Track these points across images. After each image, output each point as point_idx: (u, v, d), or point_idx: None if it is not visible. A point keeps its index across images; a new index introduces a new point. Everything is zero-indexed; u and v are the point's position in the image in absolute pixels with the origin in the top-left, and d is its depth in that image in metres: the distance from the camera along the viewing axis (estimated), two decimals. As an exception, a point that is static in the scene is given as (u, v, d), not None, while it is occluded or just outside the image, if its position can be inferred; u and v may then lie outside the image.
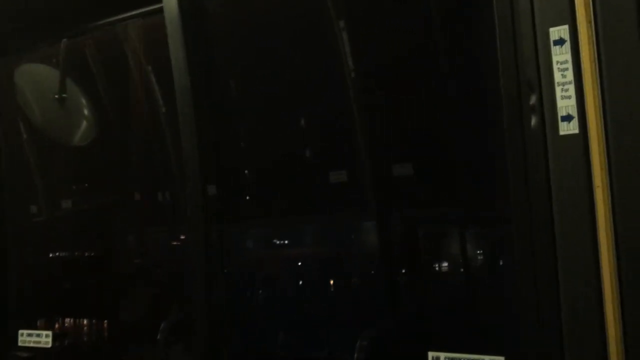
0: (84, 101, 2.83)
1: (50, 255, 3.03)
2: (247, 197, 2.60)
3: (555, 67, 1.55)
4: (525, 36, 1.58)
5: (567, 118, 1.54)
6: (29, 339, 2.63)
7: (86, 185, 3.04)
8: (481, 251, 2.14)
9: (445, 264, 2.20)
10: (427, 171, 2.15)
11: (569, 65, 1.53)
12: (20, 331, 2.64)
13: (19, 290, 2.77)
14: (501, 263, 2.02)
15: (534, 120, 1.58)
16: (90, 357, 2.94)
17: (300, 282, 2.55)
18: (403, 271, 2.28)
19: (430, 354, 1.77)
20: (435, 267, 2.25)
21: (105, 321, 2.93)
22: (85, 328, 2.97)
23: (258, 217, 2.57)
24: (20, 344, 2.64)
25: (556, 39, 1.54)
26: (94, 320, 2.97)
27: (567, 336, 1.51)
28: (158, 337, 2.57)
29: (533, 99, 1.58)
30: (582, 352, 1.49)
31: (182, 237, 2.64)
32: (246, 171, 2.59)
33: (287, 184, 2.47)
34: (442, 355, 1.75)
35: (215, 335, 2.25)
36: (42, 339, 2.61)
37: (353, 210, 2.34)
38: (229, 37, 2.50)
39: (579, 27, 1.51)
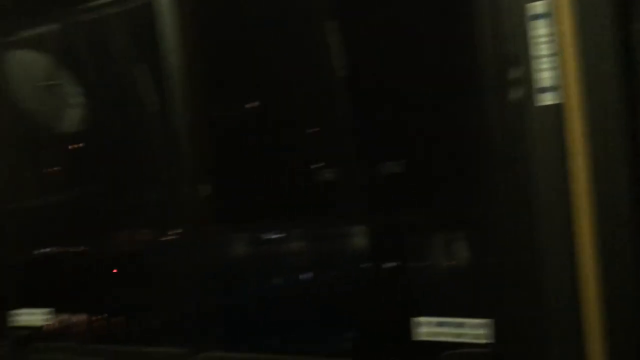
0: (69, 89, 2.83)
1: (32, 247, 3.01)
2: (235, 199, 2.60)
3: (534, 40, 1.60)
4: (504, 9, 1.63)
5: (544, 90, 1.59)
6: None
7: (67, 177, 3.02)
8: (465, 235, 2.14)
9: (428, 255, 2.20)
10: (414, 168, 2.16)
11: (547, 39, 1.58)
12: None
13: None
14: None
15: (512, 93, 1.63)
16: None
17: (284, 282, 2.56)
18: (387, 268, 2.29)
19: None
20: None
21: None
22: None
23: (245, 218, 2.57)
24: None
25: (535, 13, 1.60)
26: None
27: (545, 301, 1.55)
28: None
29: (513, 73, 1.63)
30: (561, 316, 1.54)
31: (169, 234, 2.64)
32: (234, 173, 2.59)
33: (275, 185, 2.47)
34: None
35: (202, 332, 2.28)
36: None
37: (340, 211, 2.36)
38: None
39: (557, 1, 1.57)
